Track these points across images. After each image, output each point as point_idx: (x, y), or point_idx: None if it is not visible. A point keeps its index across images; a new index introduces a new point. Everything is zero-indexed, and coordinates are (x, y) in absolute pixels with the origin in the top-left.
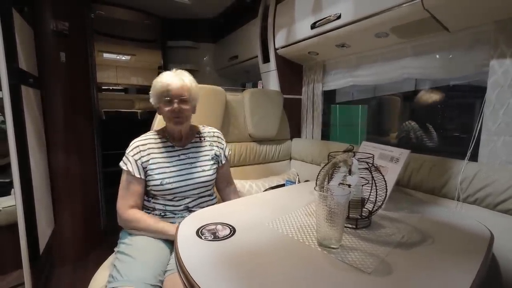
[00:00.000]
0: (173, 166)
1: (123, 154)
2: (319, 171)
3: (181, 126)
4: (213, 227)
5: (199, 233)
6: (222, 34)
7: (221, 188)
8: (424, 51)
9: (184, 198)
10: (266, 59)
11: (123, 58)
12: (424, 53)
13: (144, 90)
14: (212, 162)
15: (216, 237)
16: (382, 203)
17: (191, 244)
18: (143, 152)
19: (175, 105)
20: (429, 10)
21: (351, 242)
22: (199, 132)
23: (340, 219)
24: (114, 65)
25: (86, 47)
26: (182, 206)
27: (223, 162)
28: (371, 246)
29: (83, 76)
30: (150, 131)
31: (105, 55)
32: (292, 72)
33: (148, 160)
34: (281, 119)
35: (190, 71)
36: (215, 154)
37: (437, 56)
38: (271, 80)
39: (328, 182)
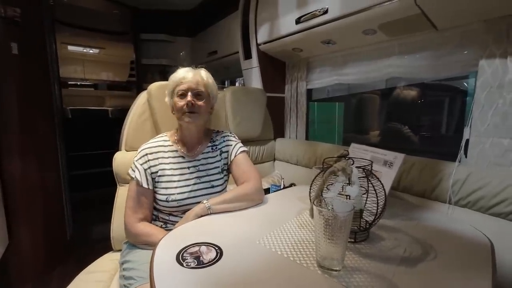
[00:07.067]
0: (181, 180)
1: (92, 155)
2: (313, 180)
3: (194, 124)
4: (196, 249)
5: (180, 258)
6: (200, 28)
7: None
8: (411, 49)
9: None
10: (248, 55)
11: (91, 51)
12: (411, 52)
13: (116, 86)
14: (222, 175)
15: (200, 263)
16: (381, 213)
17: (170, 274)
18: (151, 161)
19: (189, 98)
20: (420, 6)
21: (353, 260)
22: (212, 140)
23: (343, 237)
24: (81, 59)
25: (44, 37)
26: None
27: (232, 159)
28: (374, 265)
29: (42, 71)
30: (162, 134)
31: (70, 47)
32: (275, 69)
33: (157, 172)
34: (264, 118)
35: (166, 67)
36: (225, 163)
37: (424, 55)
38: (254, 77)
39: (322, 192)
